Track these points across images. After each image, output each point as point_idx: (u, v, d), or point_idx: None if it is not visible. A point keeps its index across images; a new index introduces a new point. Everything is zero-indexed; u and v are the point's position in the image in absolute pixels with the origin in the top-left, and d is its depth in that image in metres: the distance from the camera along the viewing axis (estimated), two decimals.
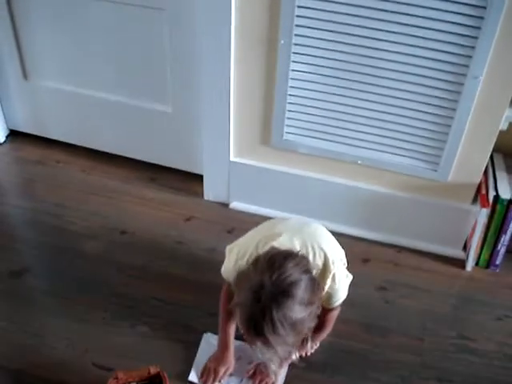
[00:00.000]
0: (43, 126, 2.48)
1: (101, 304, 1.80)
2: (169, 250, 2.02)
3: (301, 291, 1.21)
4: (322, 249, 1.42)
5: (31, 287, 1.86)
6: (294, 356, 1.41)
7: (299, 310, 1.21)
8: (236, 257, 1.45)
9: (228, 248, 1.54)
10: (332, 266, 1.41)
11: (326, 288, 1.42)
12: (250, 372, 1.61)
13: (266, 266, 1.23)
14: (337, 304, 1.50)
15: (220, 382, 1.60)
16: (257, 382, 1.59)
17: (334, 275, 1.42)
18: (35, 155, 2.46)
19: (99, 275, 1.91)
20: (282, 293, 1.20)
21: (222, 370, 1.59)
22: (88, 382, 1.57)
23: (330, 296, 1.46)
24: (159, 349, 1.68)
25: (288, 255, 1.26)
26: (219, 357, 1.60)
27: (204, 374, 1.60)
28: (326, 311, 1.52)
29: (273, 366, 1.36)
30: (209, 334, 1.70)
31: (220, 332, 1.62)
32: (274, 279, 1.20)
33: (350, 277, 1.52)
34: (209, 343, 1.68)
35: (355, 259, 1.53)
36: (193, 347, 1.67)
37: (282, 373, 1.60)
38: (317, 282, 1.30)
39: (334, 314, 1.56)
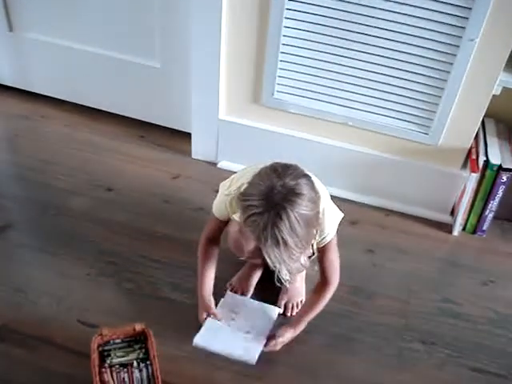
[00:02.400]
0: (28, 80, 2.43)
1: (86, 260, 1.79)
2: (155, 208, 2.01)
3: (307, 189, 1.27)
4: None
5: (15, 243, 1.84)
6: (303, 260, 1.40)
7: (310, 207, 1.26)
8: (230, 183, 1.49)
9: (221, 184, 1.56)
10: (321, 197, 1.39)
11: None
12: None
13: (270, 172, 1.27)
14: (326, 240, 1.48)
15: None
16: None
17: (324, 209, 1.42)
18: (20, 109, 2.42)
19: (84, 232, 1.89)
20: (292, 191, 1.24)
21: (200, 313, 1.60)
22: (72, 338, 1.56)
23: (320, 231, 1.45)
24: (144, 306, 1.67)
25: (286, 164, 1.31)
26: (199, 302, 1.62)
27: None
28: (321, 254, 1.52)
29: (285, 276, 1.36)
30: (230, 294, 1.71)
31: (199, 279, 1.62)
32: (282, 182, 1.24)
33: (341, 214, 1.53)
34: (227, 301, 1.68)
35: (343, 221, 1.52)
36: (178, 305, 1.67)
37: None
38: (315, 188, 1.33)
39: (332, 263, 1.54)
